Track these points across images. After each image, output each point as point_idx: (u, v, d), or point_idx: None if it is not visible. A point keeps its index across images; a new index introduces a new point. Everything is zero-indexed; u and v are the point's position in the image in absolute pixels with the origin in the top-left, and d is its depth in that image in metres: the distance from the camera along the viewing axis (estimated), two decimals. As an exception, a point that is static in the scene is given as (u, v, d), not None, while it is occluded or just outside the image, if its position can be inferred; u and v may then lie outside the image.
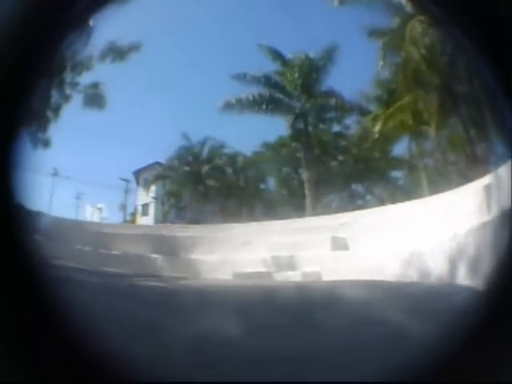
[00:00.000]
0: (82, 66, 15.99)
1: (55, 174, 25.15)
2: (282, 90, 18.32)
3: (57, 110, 15.80)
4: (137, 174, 28.40)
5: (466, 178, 8.90)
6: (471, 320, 1.42)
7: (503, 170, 5.74)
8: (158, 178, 22.62)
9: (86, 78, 16.69)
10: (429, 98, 15.19)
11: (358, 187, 23.57)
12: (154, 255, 10.92)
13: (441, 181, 14.41)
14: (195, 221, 16.87)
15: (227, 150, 20.84)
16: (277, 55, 18.53)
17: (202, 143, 20.56)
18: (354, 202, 21.25)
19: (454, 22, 1.73)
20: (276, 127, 20.57)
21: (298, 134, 18.46)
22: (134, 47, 16.37)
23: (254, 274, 9.18)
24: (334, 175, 20.65)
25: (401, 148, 20.32)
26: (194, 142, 20.52)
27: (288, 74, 18.07)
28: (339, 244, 9.39)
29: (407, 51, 15.16)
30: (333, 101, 17.94)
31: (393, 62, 16.74)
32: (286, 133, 19.99)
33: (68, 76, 16.07)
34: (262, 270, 9.29)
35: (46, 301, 1.64)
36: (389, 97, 17.55)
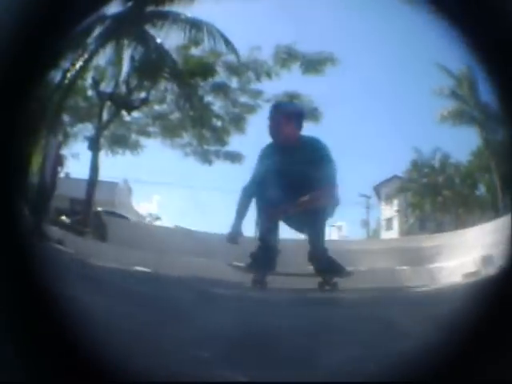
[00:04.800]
0: (251, 71, 14.27)
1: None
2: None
3: (237, 121, 14.51)
4: (377, 188, 28.75)
5: None
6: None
7: None
8: (400, 191, 23.00)
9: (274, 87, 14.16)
10: None
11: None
12: (401, 267, 11.38)
13: None
14: (436, 230, 17.11)
15: (452, 160, 20.57)
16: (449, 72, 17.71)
17: (433, 154, 20.61)
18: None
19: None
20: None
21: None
22: (329, 59, 13.71)
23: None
24: None
25: None
26: (424, 154, 20.63)
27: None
28: None
29: None
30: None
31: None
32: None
33: (240, 83, 14.37)
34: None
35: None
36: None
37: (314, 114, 14.17)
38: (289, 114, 5.01)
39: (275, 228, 5.07)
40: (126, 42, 12.79)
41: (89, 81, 13.48)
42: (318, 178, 4.87)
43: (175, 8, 12.79)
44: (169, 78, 13.41)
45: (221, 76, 13.83)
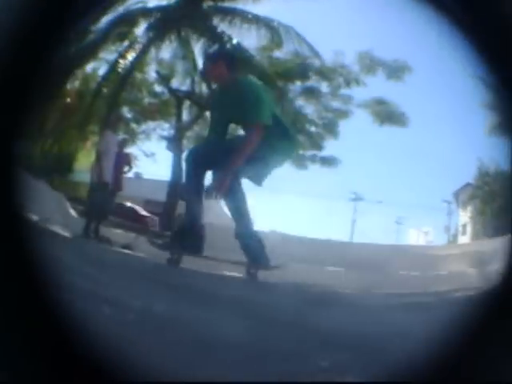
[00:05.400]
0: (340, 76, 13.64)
1: (356, 198, 24.58)
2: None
3: (330, 126, 13.70)
4: (456, 194, 28.70)
5: None
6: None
7: None
8: (471, 198, 23.13)
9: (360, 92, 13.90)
10: None
11: None
12: (471, 270, 11.46)
13: None
14: (495, 235, 17.27)
15: (502, 169, 20.50)
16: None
17: (491, 164, 20.83)
18: None
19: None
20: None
21: None
22: (406, 67, 13.41)
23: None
24: None
25: None
26: (485, 163, 20.72)
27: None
28: None
29: None
30: None
31: None
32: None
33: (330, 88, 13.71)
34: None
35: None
36: None
37: (401, 119, 14.03)
38: (214, 56, 4.89)
39: (198, 207, 4.65)
40: (193, 36, 12.26)
41: (151, 75, 12.94)
42: (242, 121, 4.49)
43: (241, 6, 12.58)
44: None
45: (310, 80, 13.45)
